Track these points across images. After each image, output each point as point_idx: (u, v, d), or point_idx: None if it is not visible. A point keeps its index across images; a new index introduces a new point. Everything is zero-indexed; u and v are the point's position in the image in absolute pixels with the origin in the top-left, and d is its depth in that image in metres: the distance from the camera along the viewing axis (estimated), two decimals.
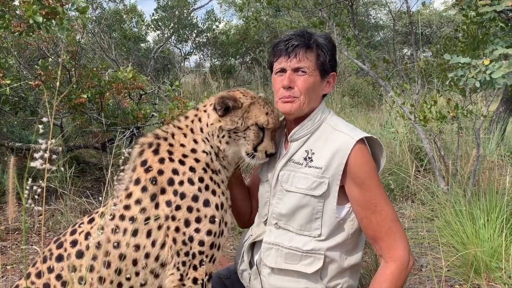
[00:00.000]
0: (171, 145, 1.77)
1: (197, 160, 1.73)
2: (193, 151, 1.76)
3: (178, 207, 1.63)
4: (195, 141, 1.79)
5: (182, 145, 1.77)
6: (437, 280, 2.69)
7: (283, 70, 1.79)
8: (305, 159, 1.75)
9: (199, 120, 1.82)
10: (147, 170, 1.69)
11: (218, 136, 1.78)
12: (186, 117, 1.87)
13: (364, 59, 4.45)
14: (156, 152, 1.74)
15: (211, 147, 1.79)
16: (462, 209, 3.15)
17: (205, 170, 1.72)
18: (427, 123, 3.46)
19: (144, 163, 1.72)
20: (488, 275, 2.71)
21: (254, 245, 1.93)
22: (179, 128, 1.83)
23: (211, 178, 1.72)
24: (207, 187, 1.69)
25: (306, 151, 1.76)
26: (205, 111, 1.83)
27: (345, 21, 4.90)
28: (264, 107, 1.81)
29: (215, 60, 14.59)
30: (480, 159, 3.64)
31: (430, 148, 3.93)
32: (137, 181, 1.68)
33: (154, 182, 1.66)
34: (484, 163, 4.02)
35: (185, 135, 1.81)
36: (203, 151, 1.77)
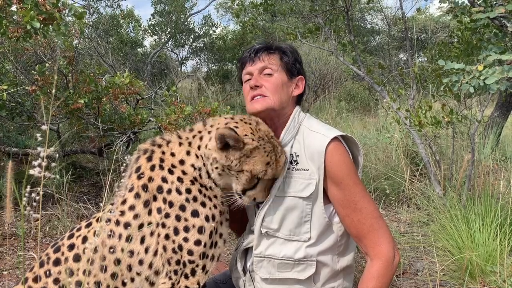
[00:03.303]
0: (163, 152, 1.75)
1: (184, 173, 1.69)
2: (181, 162, 1.71)
3: (167, 215, 1.62)
4: (188, 153, 1.73)
5: (172, 154, 1.74)
6: (432, 284, 2.70)
7: (250, 75, 1.84)
8: (291, 162, 1.77)
9: (200, 138, 1.75)
10: (139, 177, 1.70)
11: (211, 164, 1.69)
12: (191, 130, 1.80)
13: (359, 64, 4.48)
14: (149, 159, 1.74)
15: (204, 165, 1.72)
16: (457, 213, 3.17)
17: (192, 182, 1.68)
18: (422, 128, 3.49)
19: (138, 169, 1.73)
20: (483, 279, 2.72)
21: (247, 252, 1.94)
22: (179, 137, 1.79)
23: (200, 191, 1.67)
24: (195, 199, 1.65)
25: (291, 154, 1.78)
26: (209, 132, 1.74)
27: (341, 27, 4.93)
28: (268, 155, 1.66)
29: (212, 65, 14.62)
30: (475, 163, 3.66)
31: (426, 153, 3.95)
32: (131, 188, 1.70)
33: (145, 189, 1.67)
34: (479, 167, 4.05)
35: (180, 145, 1.76)
36: (192, 165, 1.71)
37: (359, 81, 11.99)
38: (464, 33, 3.86)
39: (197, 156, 1.72)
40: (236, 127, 1.67)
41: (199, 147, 1.73)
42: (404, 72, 4.74)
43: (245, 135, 1.66)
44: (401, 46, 15.49)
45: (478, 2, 3.12)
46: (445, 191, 3.67)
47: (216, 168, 1.68)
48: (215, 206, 1.69)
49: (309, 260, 1.74)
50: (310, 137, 1.75)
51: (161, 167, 1.69)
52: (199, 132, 1.77)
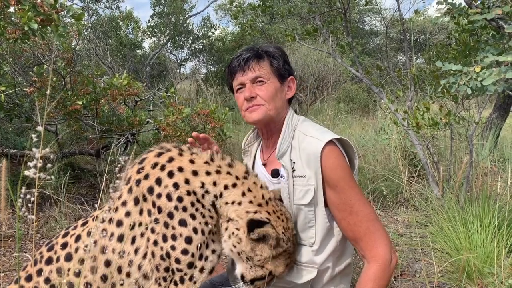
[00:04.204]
0: (180, 154, 1.67)
1: (186, 181, 1.60)
2: (194, 173, 1.62)
3: (156, 220, 1.58)
4: (207, 173, 1.63)
5: (192, 162, 1.64)
6: (430, 286, 2.70)
7: (242, 85, 1.82)
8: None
9: (233, 185, 1.64)
10: (138, 171, 1.65)
11: (233, 234, 1.60)
12: (230, 165, 1.68)
13: (358, 66, 4.48)
14: (158, 155, 1.68)
15: (215, 197, 1.62)
16: (455, 214, 3.17)
17: (189, 194, 1.59)
18: (420, 130, 3.49)
19: (141, 161, 1.69)
20: (481, 281, 2.72)
21: None
22: (211, 159, 1.68)
23: (192, 204, 1.59)
24: (184, 208, 1.57)
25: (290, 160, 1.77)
26: (243, 193, 1.63)
27: (339, 28, 4.94)
28: (289, 257, 1.68)
29: (211, 66, 14.64)
30: (473, 165, 3.67)
31: (424, 154, 3.96)
32: (128, 180, 1.66)
33: (138, 185, 1.62)
34: (477, 169, 4.05)
35: (205, 163, 1.66)
36: (202, 183, 1.61)
37: (357, 82, 12.00)
38: (461, 34, 3.87)
39: (214, 184, 1.62)
40: (268, 219, 1.60)
41: (225, 187, 1.63)
42: (402, 73, 4.75)
43: (281, 237, 1.62)
44: (400, 47, 15.52)
45: (476, 4, 3.14)
46: (443, 192, 3.67)
47: (234, 246, 1.61)
48: (206, 223, 1.61)
49: (311, 266, 1.74)
50: (305, 142, 1.74)
51: (162, 168, 1.63)
52: (237, 178, 1.66)
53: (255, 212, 1.61)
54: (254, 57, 1.81)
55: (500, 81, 2.41)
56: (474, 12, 2.87)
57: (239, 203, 1.62)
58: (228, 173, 1.66)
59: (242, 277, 1.66)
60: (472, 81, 2.45)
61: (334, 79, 11.32)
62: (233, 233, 1.61)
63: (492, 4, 2.95)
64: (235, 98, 1.89)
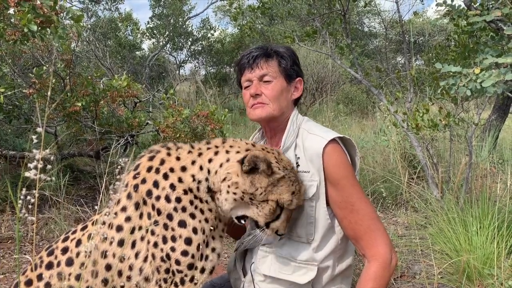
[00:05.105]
0: (168, 154, 1.71)
1: (180, 180, 1.63)
2: (183, 169, 1.65)
3: (156, 222, 1.58)
4: (193, 163, 1.66)
5: (178, 159, 1.68)
6: (430, 287, 2.70)
7: (250, 82, 1.85)
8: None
9: (215, 153, 1.67)
10: (135, 176, 1.67)
11: (229, 187, 1.60)
12: (208, 143, 1.74)
13: (357, 67, 4.49)
14: (150, 158, 1.70)
15: (207, 180, 1.64)
16: (454, 216, 3.18)
17: (185, 192, 1.61)
18: (419, 131, 3.49)
19: (136, 167, 1.71)
20: (480, 282, 2.73)
21: (246, 253, 1.94)
22: (191, 146, 1.74)
23: (191, 202, 1.60)
24: (184, 209, 1.58)
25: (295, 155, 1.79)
26: (227, 151, 1.66)
27: (338, 30, 4.95)
28: (293, 184, 1.64)
29: (210, 68, 14.67)
30: (472, 166, 3.67)
31: (423, 155, 3.96)
32: (126, 186, 1.67)
33: (136, 190, 1.64)
34: (477, 170, 4.06)
35: (189, 152, 1.71)
36: (192, 175, 1.64)
37: (356, 84, 12.01)
38: (460, 36, 3.87)
39: (201, 168, 1.65)
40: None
41: (209, 160, 1.65)
42: (401, 75, 4.76)
43: (273, 164, 1.61)
44: (399, 49, 15.55)
45: (475, 6, 3.14)
46: (443, 194, 3.68)
47: (234, 193, 1.60)
48: (206, 220, 1.62)
49: (311, 264, 1.74)
50: (308, 139, 1.76)
51: (157, 170, 1.65)
52: (216, 147, 1.70)
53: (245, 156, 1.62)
54: (263, 56, 1.84)
55: (500, 82, 2.41)
56: (473, 14, 2.88)
57: (227, 160, 1.64)
58: (208, 148, 1.70)
59: (257, 225, 1.65)
60: (472, 83, 2.45)
61: (333, 80, 11.34)
62: (228, 186, 1.61)
63: (491, 6, 2.96)
64: (243, 95, 1.92)
